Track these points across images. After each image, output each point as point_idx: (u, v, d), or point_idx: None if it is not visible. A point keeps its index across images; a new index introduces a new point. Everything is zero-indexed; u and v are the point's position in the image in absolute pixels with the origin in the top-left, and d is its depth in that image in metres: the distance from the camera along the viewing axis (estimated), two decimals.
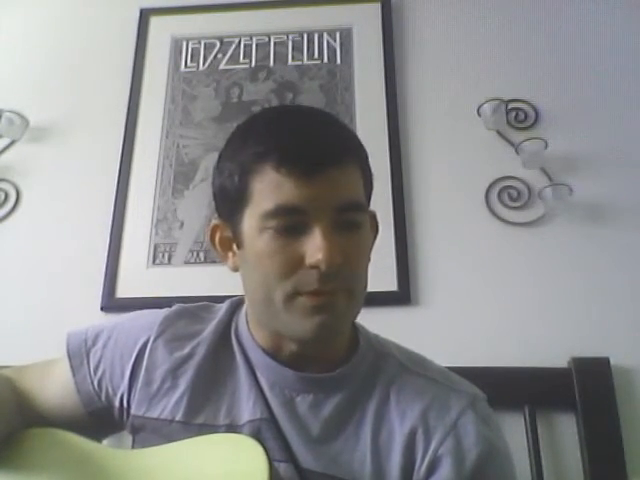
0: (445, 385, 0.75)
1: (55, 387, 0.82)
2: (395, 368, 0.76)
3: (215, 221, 0.76)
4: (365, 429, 0.71)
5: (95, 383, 0.79)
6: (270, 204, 0.66)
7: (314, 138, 0.67)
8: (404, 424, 0.71)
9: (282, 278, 0.67)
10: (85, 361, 0.80)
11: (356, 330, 0.79)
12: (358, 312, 0.74)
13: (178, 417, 0.74)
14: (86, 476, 0.71)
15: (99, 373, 0.79)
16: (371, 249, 0.76)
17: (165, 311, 0.83)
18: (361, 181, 0.71)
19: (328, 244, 0.64)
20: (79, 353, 0.81)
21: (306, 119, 0.72)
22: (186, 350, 0.78)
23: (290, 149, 0.66)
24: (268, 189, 0.66)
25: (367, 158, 0.74)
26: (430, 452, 0.69)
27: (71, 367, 0.80)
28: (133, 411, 0.76)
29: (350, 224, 0.68)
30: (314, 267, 0.65)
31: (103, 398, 0.79)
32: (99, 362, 0.80)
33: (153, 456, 0.69)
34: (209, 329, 0.79)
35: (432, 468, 0.69)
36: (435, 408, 0.72)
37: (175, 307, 0.84)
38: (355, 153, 0.71)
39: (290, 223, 0.66)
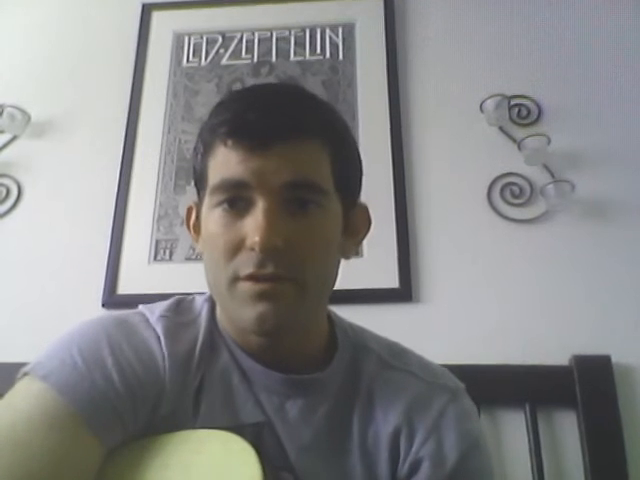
0: (425, 380, 0.73)
1: None
2: (375, 364, 0.73)
3: (191, 203, 0.73)
4: (353, 434, 0.69)
5: None
6: (217, 179, 0.63)
7: (266, 111, 0.62)
8: (387, 424, 0.69)
9: (226, 261, 0.62)
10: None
11: (332, 323, 0.75)
12: (315, 306, 0.68)
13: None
14: None
15: None
16: (359, 242, 0.74)
17: (158, 332, 0.67)
18: (326, 161, 0.65)
19: (266, 224, 0.59)
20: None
21: (268, 94, 0.68)
22: (194, 378, 0.67)
23: (238, 121, 0.63)
24: (218, 164, 0.64)
25: (344, 139, 0.69)
26: (412, 453, 0.68)
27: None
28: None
29: (302, 204, 0.63)
30: (253, 249, 0.60)
31: None
32: None
33: (137, 451, 0.65)
34: (200, 339, 0.69)
35: (413, 469, 0.68)
36: (417, 407, 0.70)
37: (161, 322, 0.68)
38: (319, 131, 0.65)
39: (234, 197, 0.62)
